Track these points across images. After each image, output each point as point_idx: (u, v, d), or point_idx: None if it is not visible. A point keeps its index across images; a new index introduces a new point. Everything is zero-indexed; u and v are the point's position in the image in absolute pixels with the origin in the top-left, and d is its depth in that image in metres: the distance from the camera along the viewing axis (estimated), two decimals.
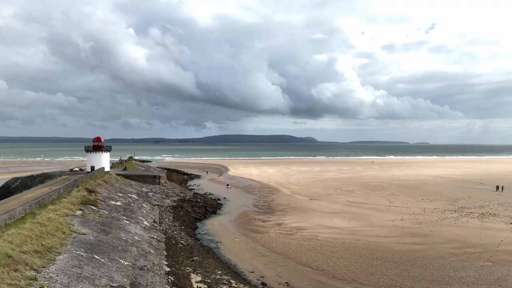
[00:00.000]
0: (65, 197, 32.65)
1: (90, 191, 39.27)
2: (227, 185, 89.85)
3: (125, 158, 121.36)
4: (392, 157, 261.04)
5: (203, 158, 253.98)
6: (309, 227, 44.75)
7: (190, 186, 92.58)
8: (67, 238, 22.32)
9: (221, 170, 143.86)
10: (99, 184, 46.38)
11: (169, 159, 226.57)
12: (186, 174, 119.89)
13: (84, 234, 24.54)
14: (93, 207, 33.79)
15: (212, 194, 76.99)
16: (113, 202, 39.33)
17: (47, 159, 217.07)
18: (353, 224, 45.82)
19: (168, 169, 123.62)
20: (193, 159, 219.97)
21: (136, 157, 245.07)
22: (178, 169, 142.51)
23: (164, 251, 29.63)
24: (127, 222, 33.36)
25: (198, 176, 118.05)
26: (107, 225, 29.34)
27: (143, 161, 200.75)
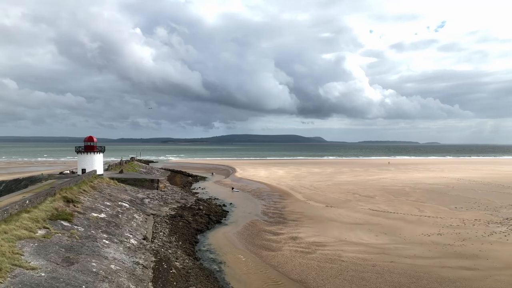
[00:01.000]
0: (28, 211, 26.01)
1: (68, 201, 32.68)
2: (232, 188, 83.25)
3: (127, 158, 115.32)
4: (406, 157, 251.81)
5: (210, 158, 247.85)
6: (330, 243, 37.68)
7: (194, 189, 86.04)
8: None
9: (228, 171, 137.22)
10: (83, 191, 39.81)
11: (175, 159, 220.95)
12: (191, 175, 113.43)
13: (33, 269, 17.79)
14: (65, 223, 27.14)
15: (217, 198, 70.35)
16: (95, 214, 32.68)
17: (51, 159, 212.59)
18: (382, 239, 38.61)
19: (172, 171, 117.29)
20: (200, 160, 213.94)
21: (142, 157, 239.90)
22: (183, 170, 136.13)
23: (150, 284, 22.83)
24: (106, 242, 26.61)
25: (203, 178, 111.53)
26: (76, 250, 22.61)
27: (148, 162, 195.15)
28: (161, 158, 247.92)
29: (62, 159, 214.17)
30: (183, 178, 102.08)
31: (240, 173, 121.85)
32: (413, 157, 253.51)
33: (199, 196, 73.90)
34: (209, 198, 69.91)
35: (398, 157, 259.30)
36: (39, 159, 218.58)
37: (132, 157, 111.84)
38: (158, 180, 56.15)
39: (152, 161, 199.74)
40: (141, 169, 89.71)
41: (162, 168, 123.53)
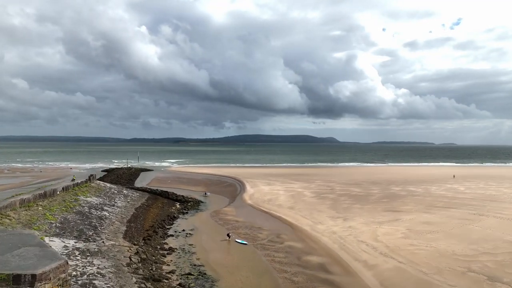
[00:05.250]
0: None
1: None
2: (228, 235, 48.77)
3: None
4: (453, 164, 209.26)
5: (218, 164, 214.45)
6: None
7: (173, 235, 51.51)
8: None
9: (235, 188, 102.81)
10: None
11: (175, 167, 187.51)
12: (180, 200, 79.00)
13: None
14: None
15: (202, 273, 35.90)
16: None
17: (28, 165, 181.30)
18: None
19: (155, 193, 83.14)
20: (204, 168, 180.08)
21: (138, 164, 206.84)
22: (174, 188, 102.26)
23: None
24: None
25: (197, 204, 76.96)
26: None
27: (142, 170, 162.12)
28: (161, 163, 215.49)
29: (41, 165, 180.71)
30: (163, 209, 67.51)
31: (250, 193, 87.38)
32: (462, 165, 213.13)
33: (172, 259, 39.55)
34: (186, 276, 35.36)
35: (442, 164, 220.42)
36: (13, 164, 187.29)
37: (91, 175, 76.42)
38: (31, 277, 21.60)
39: (147, 169, 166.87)
40: (90, 200, 55.34)
41: (141, 189, 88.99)
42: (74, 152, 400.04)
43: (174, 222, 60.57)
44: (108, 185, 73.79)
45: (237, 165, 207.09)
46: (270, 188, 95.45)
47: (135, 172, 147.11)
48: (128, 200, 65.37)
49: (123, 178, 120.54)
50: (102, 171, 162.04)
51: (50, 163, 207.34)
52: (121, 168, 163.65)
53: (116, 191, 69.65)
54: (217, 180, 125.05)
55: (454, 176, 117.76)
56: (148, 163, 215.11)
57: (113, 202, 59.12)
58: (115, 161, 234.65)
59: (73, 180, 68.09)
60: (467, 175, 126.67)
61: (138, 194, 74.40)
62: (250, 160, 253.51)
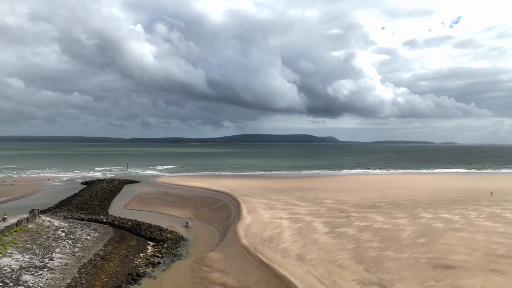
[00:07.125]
0: None
1: None
2: None
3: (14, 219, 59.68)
4: (463, 170, 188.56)
5: (212, 172, 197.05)
6: None
7: None
8: None
9: (229, 212, 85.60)
10: None
11: (164, 177, 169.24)
12: (155, 239, 60.68)
13: None
14: None
15: None
16: None
17: (0, 176, 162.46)
18: None
19: (123, 227, 64.95)
20: (196, 179, 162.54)
21: (122, 173, 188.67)
22: (155, 212, 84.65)
23: None
24: None
25: (176, 244, 58.85)
26: None
27: (127, 181, 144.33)
28: (150, 172, 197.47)
29: (16, 175, 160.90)
30: (126, 260, 49.26)
31: (246, 224, 69.84)
32: (478, 171, 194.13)
33: None
34: None
35: (457, 171, 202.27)
36: None
37: (32, 211, 56.95)
38: None
39: (132, 181, 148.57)
40: (5, 263, 37.33)
41: (106, 222, 70.25)
42: (64, 155, 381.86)
43: (137, 284, 42.61)
44: (56, 223, 55.31)
45: (234, 173, 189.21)
46: (271, 215, 77.49)
47: (117, 186, 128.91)
48: (77, 249, 47.22)
49: (98, 197, 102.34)
50: (81, 183, 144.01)
51: (27, 172, 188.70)
52: (103, 180, 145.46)
53: (64, 233, 51.46)
54: (209, 197, 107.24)
55: (492, 193, 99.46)
56: (136, 171, 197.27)
57: (46, 260, 40.94)
58: (97, 168, 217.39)
59: (3, 219, 49.99)
60: (502, 191, 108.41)
61: (97, 234, 55.96)
62: (248, 167, 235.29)
